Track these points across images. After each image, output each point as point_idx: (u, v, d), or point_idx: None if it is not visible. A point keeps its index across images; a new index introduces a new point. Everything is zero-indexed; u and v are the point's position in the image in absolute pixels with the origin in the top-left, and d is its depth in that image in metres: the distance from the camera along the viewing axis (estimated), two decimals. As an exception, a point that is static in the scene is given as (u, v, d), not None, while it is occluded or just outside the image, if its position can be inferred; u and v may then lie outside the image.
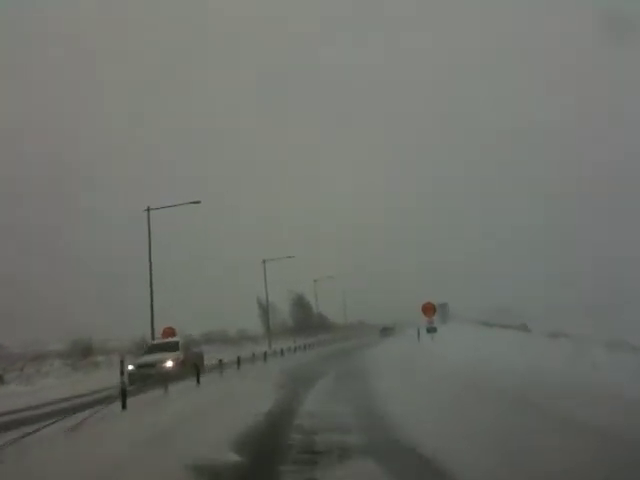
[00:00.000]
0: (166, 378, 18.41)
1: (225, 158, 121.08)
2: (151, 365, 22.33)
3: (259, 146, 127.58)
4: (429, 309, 37.81)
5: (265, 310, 65.85)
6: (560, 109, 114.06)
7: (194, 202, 35.54)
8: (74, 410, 12.40)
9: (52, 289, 59.10)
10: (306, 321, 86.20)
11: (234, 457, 7.53)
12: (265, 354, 31.55)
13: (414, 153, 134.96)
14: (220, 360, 23.30)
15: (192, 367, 21.98)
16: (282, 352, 36.58)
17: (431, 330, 37.60)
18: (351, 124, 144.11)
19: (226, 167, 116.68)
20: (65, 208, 75.88)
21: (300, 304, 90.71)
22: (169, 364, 22.46)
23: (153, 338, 34.98)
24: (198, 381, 18.72)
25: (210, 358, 28.29)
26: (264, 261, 58.42)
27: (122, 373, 13.35)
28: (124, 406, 12.83)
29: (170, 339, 26.71)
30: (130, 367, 17.95)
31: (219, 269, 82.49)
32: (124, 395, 13.04)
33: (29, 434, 9.30)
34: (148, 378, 19.57)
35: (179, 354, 23.64)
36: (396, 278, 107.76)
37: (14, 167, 75.69)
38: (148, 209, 35.47)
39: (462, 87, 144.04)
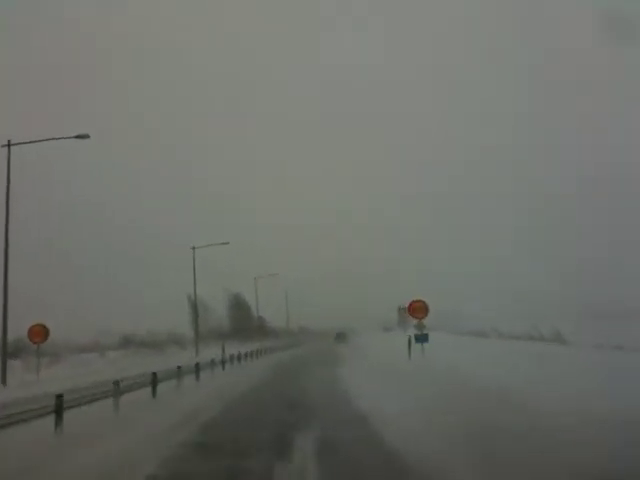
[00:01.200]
0: None
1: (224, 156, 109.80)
2: None
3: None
4: (419, 309, 27.01)
5: (195, 309, 53.88)
6: (560, 109, 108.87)
7: (80, 136, 23.41)
8: None
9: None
10: (244, 324, 74.48)
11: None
12: (153, 381, 16.14)
13: (398, 150, 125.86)
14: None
15: None
16: (197, 369, 21.46)
17: (421, 339, 26.79)
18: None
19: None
20: None
21: (237, 305, 79.04)
22: None
23: (5, 341, 22.75)
24: None
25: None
26: (193, 248, 47.72)
27: None
28: None
29: None
30: None
31: (150, 259, 70.14)
32: None
33: None
34: None
35: None
36: (347, 282, 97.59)
37: None
38: (9, 144, 23.32)
39: (462, 87, 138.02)
